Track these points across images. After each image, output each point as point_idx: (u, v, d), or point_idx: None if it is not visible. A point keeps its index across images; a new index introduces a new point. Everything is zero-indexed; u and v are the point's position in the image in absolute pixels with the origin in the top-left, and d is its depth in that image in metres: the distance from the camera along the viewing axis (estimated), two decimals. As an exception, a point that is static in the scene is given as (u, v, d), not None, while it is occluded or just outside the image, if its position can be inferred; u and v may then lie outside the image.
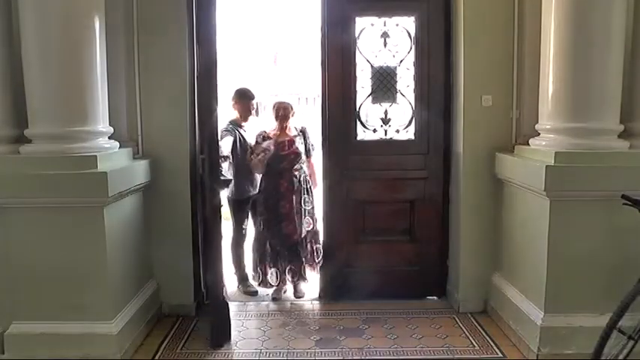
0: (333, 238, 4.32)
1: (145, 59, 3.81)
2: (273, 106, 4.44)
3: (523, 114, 3.84)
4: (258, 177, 4.48)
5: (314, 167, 4.49)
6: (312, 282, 4.47)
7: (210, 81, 3.53)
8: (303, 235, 4.29)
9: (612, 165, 3.17)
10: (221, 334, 3.57)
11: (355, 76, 4.22)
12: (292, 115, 4.43)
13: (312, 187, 4.42)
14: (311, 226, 4.34)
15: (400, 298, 4.23)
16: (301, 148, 4.33)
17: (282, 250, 4.33)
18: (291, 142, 4.33)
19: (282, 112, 4.36)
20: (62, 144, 3.20)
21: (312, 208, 4.35)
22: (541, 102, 3.46)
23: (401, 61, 4.22)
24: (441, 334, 3.71)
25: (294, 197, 4.26)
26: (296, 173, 4.30)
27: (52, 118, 3.20)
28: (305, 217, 4.29)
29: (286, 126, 4.37)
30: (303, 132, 4.40)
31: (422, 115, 4.21)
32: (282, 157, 4.28)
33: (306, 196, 4.32)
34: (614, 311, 2.65)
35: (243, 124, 4.50)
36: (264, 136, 4.35)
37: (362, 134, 4.28)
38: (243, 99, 4.49)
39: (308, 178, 4.38)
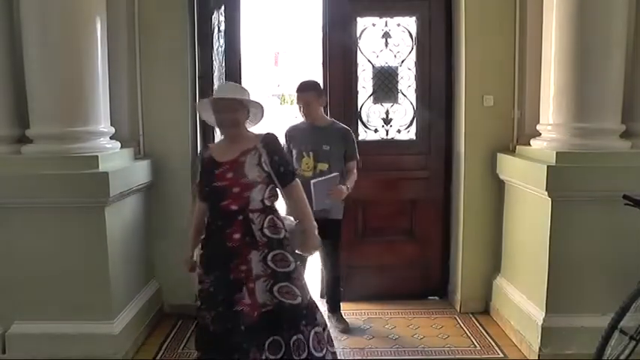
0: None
1: (146, 59, 3.81)
2: (211, 101, 2.73)
3: (524, 114, 3.84)
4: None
5: (302, 203, 2.74)
6: (313, 283, 4.46)
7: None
8: (265, 309, 2.59)
9: (614, 165, 3.17)
10: None
11: (356, 76, 4.22)
12: (247, 119, 2.72)
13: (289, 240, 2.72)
14: (296, 299, 2.62)
15: (401, 298, 4.23)
16: (255, 174, 2.59)
17: (235, 337, 2.59)
18: (236, 164, 2.61)
19: (226, 116, 2.65)
20: (63, 144, 3.20)
21: (293, 269, 2.65)
22: (542, 102, 3.46)
23: (402, 61, 4.22)
24: (443, 335, 3.71)
25: (252, 254, 2.60)
26: (254, 217, 2.61)
27: (54, 119, 3.20)
28: (277, 284, 2.61)
29: (234, 135, 2.70)
30: (267, 145, 2.66)
31: (423, 115, 4.21)
32: (221, 191, 2.60)
33: (279, 251, 2.63)
34: (615, 311, 2.65)
35: None
36: (204, 156, 2.78)
37: (363, 134, 4.27)
38: None
39: (281, 223, 2.69)
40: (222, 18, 4.07)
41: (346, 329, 3.78)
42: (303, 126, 3.72)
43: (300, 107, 3.66)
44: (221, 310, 2.60)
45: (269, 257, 2.61)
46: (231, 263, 2.61)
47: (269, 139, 2.69)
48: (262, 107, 2.76)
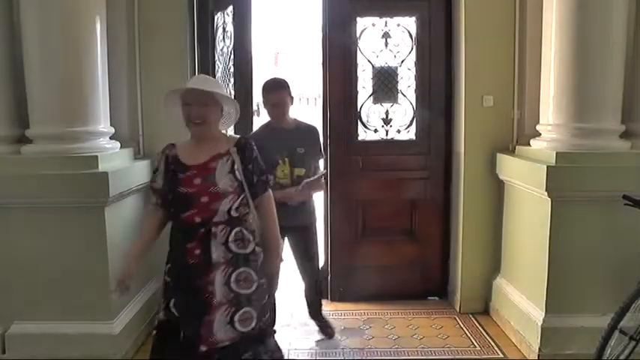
0: (334, 238, 4.31)
1: (146, 59, 3.80)
2: (180, 93, 2.43)
3: (524, 114, 3.84)
4: None
5: (271, 218, 2.50)
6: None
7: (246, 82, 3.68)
8: (223, 344, 2.31)
9: (613, 165, 3.17)
10: None
11: (356, 77, 4.21)
12: (220, 118, 2.46)
13: (261, 255, 2.46)
14: (249, 325, 2.35)
15: (401, 298, 4.23)
16: (227, 183, 2.33)
17: None
18: (205, 170, 2.35)
19: (196, 110, 2.36)
20: (63, 144, 3.20)
21: (255, 289, 2.37)
22: (542, 102, 3.46)
23: (402, 62, 4.21)
24: (442, 335, 3.71)
25: (215, 275, 2.32)
26: (218, 230, 2.33)
27: (53, 119, 3.20)
28: (239, 311, 2.33)
29: (203, 133, 2.41)
30: (241, 150, 2.41)
31: (423, 115, 4.21)
32: (186, 199, 2.32)
33: (244, 269, 2.35)
34: (615, 312, 2.65)
35: None
36: (168, 155, 2.48)
37: (363, 134, 4.27)
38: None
39: (250, 237, 2.41)
40: (228, 19, 4.06)
41: (331, 334, 3.67)
42: (270, 130, 3.31)
43: (271, 108, 3.30)
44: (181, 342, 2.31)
45: (233, 277, 2.33)
46: (194, 283, 2.31)
47: (243, 144, 2.43)
48: (237, 106, 2.51)
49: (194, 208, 2.31)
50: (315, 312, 3.77)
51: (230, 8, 4.02)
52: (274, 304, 3.50)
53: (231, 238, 2.34)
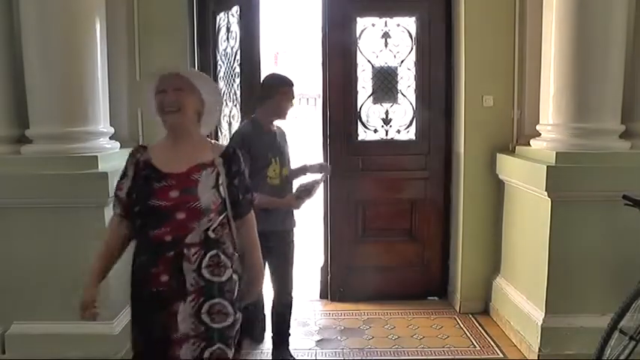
0: (334, 238, 4.31)
1: (145, 59, 3.80)
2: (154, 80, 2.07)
3: (524, 114, 3.84)
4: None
5: (252, 242, 2.17)
6: (313, 283, 4.46)
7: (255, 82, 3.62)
8: None
9: (613, 165, 3.17)
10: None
11: (356, 77, 4.21)
12: (199, 116, 2.09)
13: (238, 284, 2.07)
14: None
15: (401, 298, 4.23)
16: (210, 199, 1.99)
17: None
18: (186, 181, 1.99)
19: (170, 97, 2.00)
20: (63, 144, 3.20)
21: (231, 324, 2.02)
22: (542, 102, 3.46)
23: (402, 62, 4.22)
24: (442, 335, 3.71)
25: (181, 305, 1.96)
26: (191, 253, 1.96)
27: (53, 119, 3.20)
28: (210, 347, 1.98)
29: (178, 127, 2.05)
30: (227, 162, 2.07)
31: (423, 115, 4.21)
32: (160, 214, 1.96)
33: (219, 300, 1.98)
34: (615, 312, 2.65)
35: None
36: (139, 159, 2.08)
37: (363, 134, 4.27)
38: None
39: (228, 263, 2.03)
40: (233, 19, 4.05)
41: None
42: (259, 129, 3.11)
43: (286, 105, 3.14)
44: None
45: (204, 309, 1.94)
46: (158, 315, 1.95)
47: (231, 155, 2.08)
48: (219, 97, 2.22)
49: (166, 226, 1.93)
50: (280, 340, 3.26)
51: (235, 8, 4.00)
52: (264, 316, 3.42)
53: (205, 264, 1.97)
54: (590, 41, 3.15)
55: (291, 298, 3.24)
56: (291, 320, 3.29)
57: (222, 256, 2.01)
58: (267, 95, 3.11)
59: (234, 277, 2.05)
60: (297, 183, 3.22)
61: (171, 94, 1.99)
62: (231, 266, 2.04)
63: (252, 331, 3.48)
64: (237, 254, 2.09)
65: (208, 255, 1.98)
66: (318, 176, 3.22)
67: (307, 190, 3.07)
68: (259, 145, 3.05)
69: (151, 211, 1.95)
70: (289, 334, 3.30)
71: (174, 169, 1.99)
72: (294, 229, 3.26)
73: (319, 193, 3.16)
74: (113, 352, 3.21)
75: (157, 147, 2.11)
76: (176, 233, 1.94)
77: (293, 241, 3.24)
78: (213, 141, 2.16)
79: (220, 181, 2.02)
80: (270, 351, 3.29)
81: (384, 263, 4.28)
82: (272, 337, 3.27)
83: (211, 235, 1.99)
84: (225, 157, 2.07)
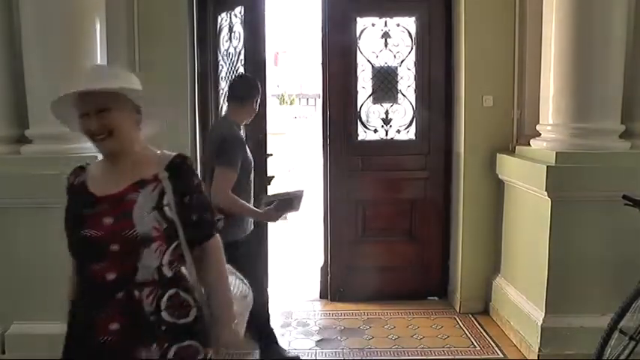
0: (334, 238, 4.31)
1: (145, 59, 3.80)
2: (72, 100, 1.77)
3: (524, 114, 3.84)
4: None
5: (219, 274, 1.74)
6: (313, 283, 4.46)
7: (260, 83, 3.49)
8: None
9: (613, 165, 3.17)
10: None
11: (356, 76, 4.22)
12: (137, 122, 1.76)
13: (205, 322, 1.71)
14: None
15: (401, 298, 4.22)
16: (150, 223, 1.59)
17: None
18: (120, 204, 1.62)
19: (97, 123, 1.68)
20: (63, 144, 3.20)
21: None
22: (542, 102, 3.46)
23: (402, 62, 4.22)
24: (442, 335, 3.71)
25: (143, 354, 1.60)
26: (144, 294, 1.60)
27: (53, 119, 3.16)
28: None
29: (116, 152, 1.71)
30: (175, 174, 1.67)
31: (423, 115, 4.21)
32: (92, 247, 1.60)
33: (188, 342, 1.64)
34: (615, 312, 2.65)
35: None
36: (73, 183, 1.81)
37: (363, 134, 4.27)
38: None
39: (190, 301, 1.67)
40: (236, 19, 4.04)
41: None
42: (239, 130, 3.09)
43: (258, 108, 3.16)
44: None
45: (171, 353, 1.60)
46: None
47: (178, 165, 1.68)
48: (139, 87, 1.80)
49: (104, 260, 1.56)
50: (269, 341, 3.24)
51: (239, 9, 3.99)
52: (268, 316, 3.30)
53: (164, 305, 1.60)
54: (590, 41, 3.15)
55: (264, 300, 3.17)
56: (270, 315, 3.26)
57: (183, 294, 1.65)
58: (248, 96, 3.09)
59: (202, 314, 1.69)
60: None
61: (95, 120, 1.65)
62: (195, 303, 1.67)
63: (257, 332, 3.49)
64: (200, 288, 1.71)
65: (166, 295, 1.61)
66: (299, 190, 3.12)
67: (288, 204, 3.00)
68: (247, 148, 3.02)
69: (83, 243, 1.60)
70: (272, 329, 3.25)
71: (107, 191, 1.64)
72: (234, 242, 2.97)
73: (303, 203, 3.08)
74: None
75: (94, 166, 1.79)
76: (120, 270, 1.57)
77: (234, 250, 3.07)
78: (160, 151, 1.75)
79: (166, 201, 1.61)
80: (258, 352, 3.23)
81: (384, 263, 4.28)
82: (258, 339, 3.17)
83: (167, 272, 1.61)
84: (172, 169, 1.66)
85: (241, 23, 3.96)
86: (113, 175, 1.68)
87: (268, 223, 3.55)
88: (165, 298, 1.61)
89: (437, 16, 4.14)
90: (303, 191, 3.07)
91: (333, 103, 4.20)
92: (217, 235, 1.74)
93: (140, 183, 1.63)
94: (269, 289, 3.33)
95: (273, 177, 3.65)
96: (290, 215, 3.00)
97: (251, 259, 3.08)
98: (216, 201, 2.72)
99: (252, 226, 3.11)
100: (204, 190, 1.74)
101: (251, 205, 2.98)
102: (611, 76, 3.19)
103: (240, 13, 3.97)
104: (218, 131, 3.10)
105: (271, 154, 3.73)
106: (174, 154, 1.73)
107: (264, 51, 3.89)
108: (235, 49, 4.05)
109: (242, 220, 2.98)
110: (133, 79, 1.80)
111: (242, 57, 3.96)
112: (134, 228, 1.56)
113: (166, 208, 1.62)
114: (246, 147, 3.01)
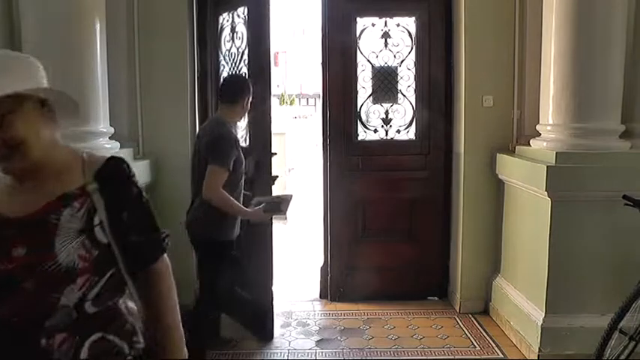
0: (334, 238, 4.31)
1: (145, 59, 3.81)
2: None
3: (524, 114, 3.84)
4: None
5: (166, 303, 1.42)
6: (313, 283, 4.46)
7: (264, 83, 3.59)
8: None
9: (613, 165, 3.17)
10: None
11: (356, 76, 4.21)
12: (51, 120, 1.38)
13: None
14: None
15: (401, 298, 4.22)
16: (75, 251, 1.23)
17: None
18: (35, 228, 1.22)
19: (5, 157, 1.22)
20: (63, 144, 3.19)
21: None
22: (542, 102, 3.46)
23: (402, 62, 4.21)
24: (442, 335, 3.71)
25: None
26: (55, 342, 1.22)
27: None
28: None
29: (24, 169, 1.26)
30: (106, 186, 1.30)
31: (423, 115, 4.21)
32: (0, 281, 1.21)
33: None
34: (615, 312, 2.65)
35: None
36: None
37: (363, 134, 4.27)
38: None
39: (125, 348, 1.31)
40: (239, 19, 4.03)
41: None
42: (232, 130, 3.15)
43: (250, 106, 3.20)
44: None
45: None
46: None
47: (111, 172, 1.33)
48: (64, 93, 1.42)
49: (11, 301, 1.21)
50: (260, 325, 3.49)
51: (242, 9, 3.97)
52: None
53: (84, 353, 1.25)
54: (590, 41, 3.15)
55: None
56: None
57: (113, 339, 1.29)
58: (239, 96, 3.14)
59: None
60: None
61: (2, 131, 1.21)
62: (133, 347, 1.33)
63: (260, 329, 3.54)
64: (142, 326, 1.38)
65: (87, 343, 1.25)
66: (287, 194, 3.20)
67: (276, 207, 3.06)
68: (240, 148, 3.05)
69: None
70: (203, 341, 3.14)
71: (19, 212, 1.24)
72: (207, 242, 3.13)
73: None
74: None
75: (6, 181, 1.30)
76: (28, 312, 1.20)
77: (205, 249, 3.15)
78: (85, 153, 1.35)
79: (96, 220, 1.27)
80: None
81: (383, 263, 4.28)
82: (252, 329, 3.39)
83: (90, 309, 1.26)
84: (103, 179, 1.29)
85: (244, 23, 3.95)
86: (26, 189, 1.27)
87: (268, 223, 3.56)
88: (85, 347, 1.25)
89: (437, 16, 4.14)
90: (291, 196, 3.18)
91: (333, 103, 4.20)
92: (164, 255, 1.42)
93: (63, 199, 1.25)
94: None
95: (277, 176, 3.66)
96: (277, 218, 3.07)
97: (244, 258, 3.12)
98: (207, 198, 2.79)
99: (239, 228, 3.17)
100: (145, 201, 1.38)
101: (240, 204, 3.04)
102: (611, 76, 3.19)
103: (244, 13, 3.95)
104: (209, 130, 3.14)
105: (275, 153, 3.74)
106: (104, 157, 1.33)
107: (269, 51, 3.87)
108: (238, 49, 4.04)
109: (235, 220, 3.06)
110: (32, 66, 1.43)
111: (245, 57, 3.95)
112: (55, 259, 1.20)
113: (97, 229, 1.26)
114: (239, 147, 3.05)
